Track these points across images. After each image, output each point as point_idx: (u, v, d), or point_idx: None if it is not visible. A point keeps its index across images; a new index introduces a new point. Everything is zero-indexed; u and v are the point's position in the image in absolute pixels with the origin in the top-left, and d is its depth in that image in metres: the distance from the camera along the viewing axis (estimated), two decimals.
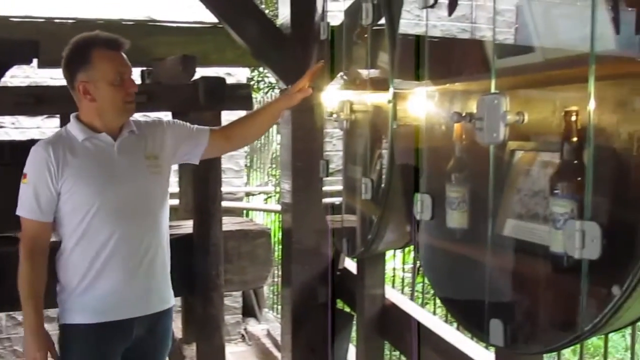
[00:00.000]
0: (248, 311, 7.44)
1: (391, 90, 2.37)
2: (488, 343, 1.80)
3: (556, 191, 1.60)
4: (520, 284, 1.84)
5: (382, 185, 2.55)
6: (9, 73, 4.06)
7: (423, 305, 4.18)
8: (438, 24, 2.16)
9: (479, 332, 1.85)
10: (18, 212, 2.75)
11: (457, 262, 2.08)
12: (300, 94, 2.93)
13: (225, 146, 3.20)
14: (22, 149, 3.73)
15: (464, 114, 1.84)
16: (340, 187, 3.28)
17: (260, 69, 10.74)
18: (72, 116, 2.82)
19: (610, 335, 4.01)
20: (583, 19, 1.49)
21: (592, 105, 1.41)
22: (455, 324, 3.12)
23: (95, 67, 2.67)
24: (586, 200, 1.44)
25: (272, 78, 11.34)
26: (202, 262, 4.07)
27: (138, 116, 2.98)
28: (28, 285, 2.71)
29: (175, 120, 3.10)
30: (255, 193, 8.81)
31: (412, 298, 4.10)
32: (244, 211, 7.57)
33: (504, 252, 1.86)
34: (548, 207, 1.67)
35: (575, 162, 1.57)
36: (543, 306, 1.76)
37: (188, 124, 3.05)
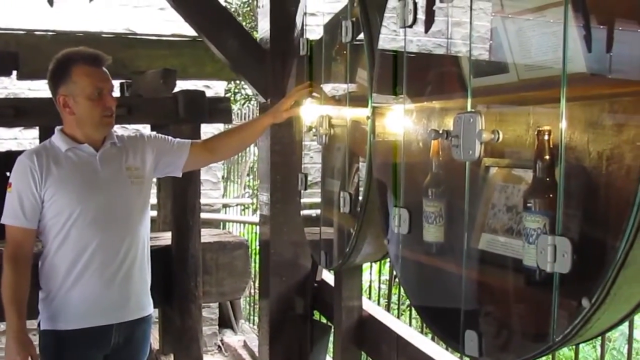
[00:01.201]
0: (224, 322, 7.44)
1: (370, 106, 2.41)
2: (463, 353, 1.83)
3: (529, 207, 1.64)
4: (494, 296, 1.88)
5: (360, 198, 2.58)
6: None
7: (399, 316, 4.21)
8: (414, 39, 2.20)
9: (455, 343, 1.87)
10: (2, 220, 2.80)
11: (433, 274, 2.11)
12: (287, 113, 3.00)
13: (208, 158, 3.25)
14: (1, 160, 3.76)
15: (440, 131, 1.89)
16: (317, 200, 3.31)
17: (237, 81, 10.74)
18: (56, 129, 2.88)
19: (581, 346, 4.08)
20: (556, 39, 1.55)
21: (563, 125, 1.46)
22: (430, 335, 3.17)
23: (74, 82, 2.75)
24: (558, 216, 1.48)
25: (249, 90, 11.35)
26: (180, 274, 4.10)
27: (117, 128, 3.01)
28: (11, 290, 2.73)
29: (157, 134, 3.14)
30: (232, 205, 8.81)
31: (388, 309, 4.14)
32: (221, 223, 7.58)
33: (479, 266, 1.90)
34: (521, 222, 1.72)
35: (548, 179, 1.62)
36: (516, 318, 1.80)
37: (170, 137, 3.10)
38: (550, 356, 3.20)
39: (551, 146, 1.62)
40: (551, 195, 1.58)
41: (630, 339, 2.87)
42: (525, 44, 1.80)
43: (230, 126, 9.00)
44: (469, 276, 1.88)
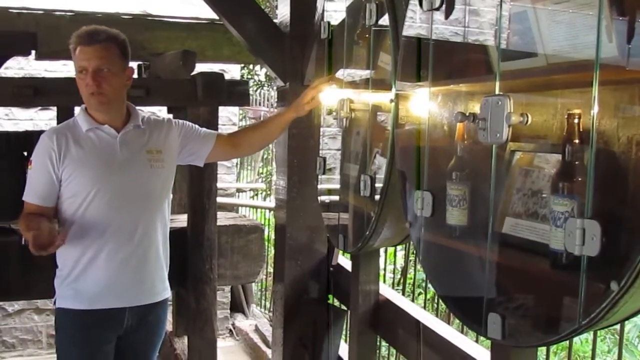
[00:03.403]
0: (236, 307, 7.47)
1: (393, 89, 2.41)
2: (486, 336, 1.84)
3: (557, 190, 1.65)
4: (518, 279, 1.88)
5: (381, 182, 2.59)
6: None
7: (413, 301, 4.23)
8: (432, 26, 2.20)
9: (477, 326, 1.88)
10: (23, 197, 2.82)
11: (455, 257, 2.11)
12: (309, 105, 3.00)
13: (231, 152, 3.27)
14: (17, 141, 3.78)
15: (467, 114, 1.89)
16: (333, 185, 3.32)
17: (251, 67, 10.75)
18: (80, 108, 2.89)
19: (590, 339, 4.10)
20: (587, 23, 1.55)
21: (595, 109, 1.47)
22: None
23: (74, 60, 2.76)
24: (587, 199, 1.49)
25: (262, 76, 11.37)
26: (195, 256, 4.11)
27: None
28: (24, 223, 2.73)
29: (185, 121, 3.14)
30: (246, 189, 8.84)
31: (403, 294, 4.16)
32: (235, 207, 7.60)
33: (503, 249, 1.91)
34: (547, 206, 1.73)
35: (577, 162, 1.63)
36: (541, 301, 1.80)
37: (196, 126, 3.11)
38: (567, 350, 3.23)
39: (581, 130, 1.62)
40: (580, 179, 1.59)
41: None
42: (554, 27, 1.79)
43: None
44: (493, 259, 1.89)
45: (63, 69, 6.05)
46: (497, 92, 1.78)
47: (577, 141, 1.63)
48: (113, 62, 2.75)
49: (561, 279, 1.65)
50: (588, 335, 4.76)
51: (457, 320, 3.62)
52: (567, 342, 3.33)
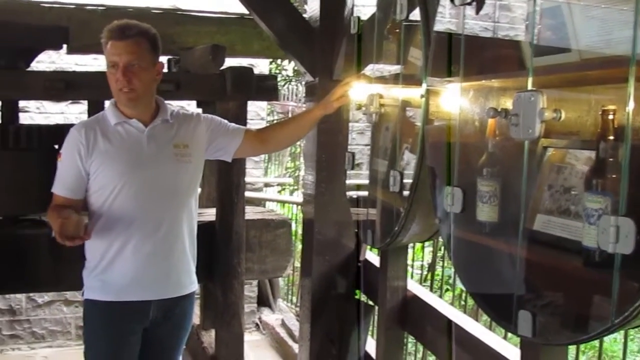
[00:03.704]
0: (262, 301, 7.48)
1: (424, 85, 2.40)
2: (516, 334, 1.83)
3: (591, 187, 1.63)
4: (550, 277, 1.87)
5: (411, 178, 2.59)
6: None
7: (440, 297, 4.22)
8: (463, 21, 2.19)
9: (507, 323, 1.88)
10: (52, 189, 2.85)
11: (486, 254, 2.10)
12: (337, 102, 3.00)
13: (259, 148, 3.28)
14: (48, 134, 3.81)
15: (499, 110, 1.88)
16: (361, 180, 3.32)
17: (279, 61, 10.76)
18: (110, 102, 2.91)
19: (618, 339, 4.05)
20: (622, 18, 1.53)
21: (630, 105, 1.45)
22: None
23: (105, 55, 2.78)
24: (621, 197, 1.47)
25: (289, 71, 11.38)
26: (223, 250, 4.12)
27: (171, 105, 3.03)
28: (53, 215, 2.76)
29: (214, 116, 3.15)
30: (273, 184, 8.86)
31: (431, 290, 4.15)
32: (262, 202, 7.61)
33: (534, 246, 1.89)
34: (580, 203, 1.71)
35: (611, 159, 1.61)
36: (573, 298, 1.79)
37: (225, 121, 3.12)
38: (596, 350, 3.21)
39: (615, 126, 1.60)
40: (614, 176, 1.57)
41: None
42: (588, 22, 1.78)
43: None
44: (524, 256, 1.88)
45: (94, 62, 6.09)
46: (529, 87, 1.77)
47: (611, 138, 1.61)
48: (143, 57, 2.76)
49: (594, 277, 1.64)
50: (617, 335, 4.73)
51: (484, 317, 3.61)
52: (597, 341, 3.31)
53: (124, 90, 2.74)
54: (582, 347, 4.30)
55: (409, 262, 5.42)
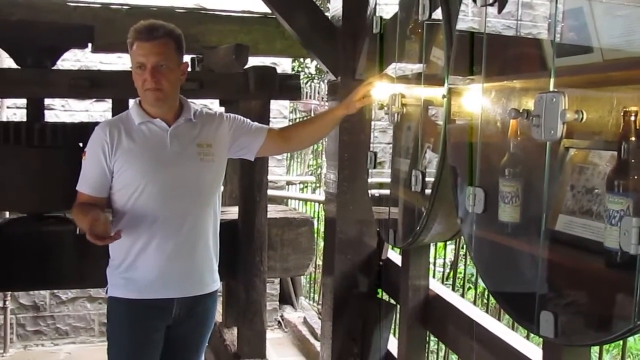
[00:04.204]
0: (284, 298, 7.50)
1: (446, 85, 2.40)
2: (538, 334, 1.83)
3: (613, 188, 1.63)
4: (572, 277, 1.86)
5: (432, 177, 2.59)
6: None
7: (462, 296, 4.21)
8: (485, 22, 2.19)
9: (529, 324, 1.88)
10: (77, 187, 2.88)
11: (507, 254, 2.10)
12: (360, 102, 3.01)
13: (282, 146, 3.29)
14: (73, 132, 3.85)
15: (521, 111, 1.88)
16: (383, 179, 3.32)
17: (301, 60, 10.76)
18: (134, 101, 2.94)
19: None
20: None
21: None
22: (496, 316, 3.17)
23: (131, 54, 2.80)
24: None
25: (312, 69, 11.38)
26: (246, 248, 4.15)
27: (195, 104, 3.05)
28: (77, 212, 2.80)
29: (236, 115, 3.16)
30: (296, 182, 8.86)
31: (453, 289, 4.14)
32: (285, 199, 7.63)
33: (556, 246, 1.89)
34: (601, 204, 1.71)
35: (633, 160, 1.60)
36: (595, 299, 1.78)
37: (248, 120, 3.13)
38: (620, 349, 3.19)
39: (637, 127, 1.60)
40: (636, 177, 1.57)
41: None
42: (611, 23, 1.77)
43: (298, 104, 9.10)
44: (546, 257, 1.88)
45: (118, 61, 6.13)
46: (551, 88, 1.76)
47: (633, 139, 1.60)
48: (170, 57, 2.78)
49: (616, 278, 1.63)
50: None
51: (507, 316, 3.59)
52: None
53: (152, 91, 2.76)
54: (605, 345, 4.27)
55: (431, 259, 5.44)
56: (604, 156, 1.86)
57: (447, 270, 6.53)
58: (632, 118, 1.60)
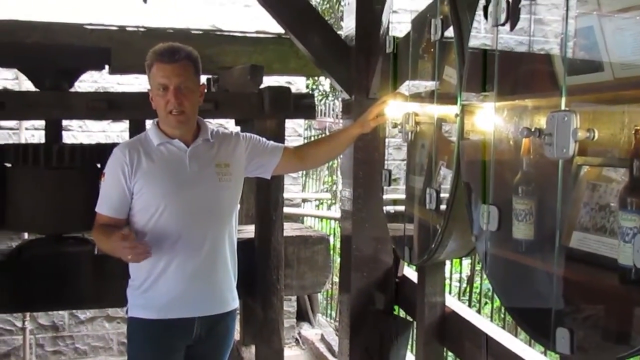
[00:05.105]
0: (301, 316, 7.49)
1: (459, 103, 2.42)
2: (554, 351, 1.83)
3: (625, 206, 1.64)
4: (586, 294, 1.87)
5: (447, 195, 2.59)
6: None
7: (479, 311, 4.21)
8: (497, 42, 2.20)
9: (545, 340, 1.88)
10: (96, 208, 2.90)
11: (522, 271, 2.11)
12: (374, 121, 3.03)
13: (297, 164, 3.31)
14: (91, 153, 3.88)
15: (533, 129, 1.89)
16: (398, 195, 3.33)
17: (315, 77, 10.79)
18: (152, 122, 2.96)
19: None
20: None
21: None
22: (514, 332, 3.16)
23: (150, 77, 2.82)
24: None
25: (326, 86, 11.41)
26: (263, 266, 4.15)
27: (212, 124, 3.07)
28: (99, 233, 2.84)
29: (252, 134, 3.19)
30: (311, 200, 8.87)
31: (469, 306, 4.14)
32: (301, 217, 7.63)
33: (570, 263, 1.89)
34: (615, 221, 1.72)
35: None
36: (610, 316, 1.79)
37: (264, 139, 3.15)
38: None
39: None
40: None
41: None
42: (622, 42, 1.78)
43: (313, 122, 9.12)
44: (560, 273, 1.88)
45: (135, 82, 6.18)
46: (563, 107, 1.78)
47: None
48: (190, 79, 2.82)
49: (630, 294, 1.64)
50: None
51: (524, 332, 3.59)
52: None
53: (174, 113, 2.79)
54: None
55: (447, 274, 5.43)
56: (616, 174, 1.87)
57: (464, 285, 6.52)
58: None
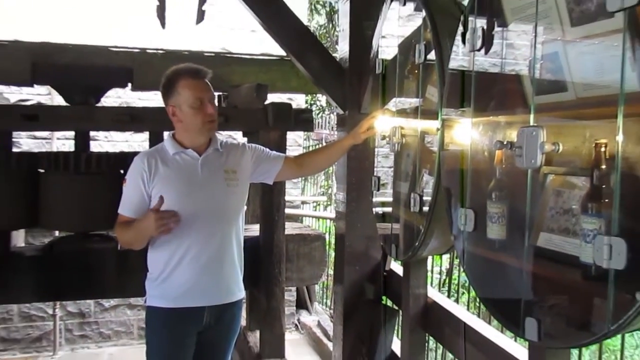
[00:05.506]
0: (300, 304, 7.49)
1: (440, 119, 2.42)
2: (523, 338, 1.83)
3: (587, 210, 1.64)
4: (552, 288, 1.86)
5: (429, 199, 2.59)
6: None
7: (457, 300, 4.20)
8: (474, 66, 2.20)
9: (515, 328, 1.88)
10: (119, 210, 2.89)
11: (496, 267, 2.11)
12: (365, 134, 3.04)
13: (297, 172, 3.30)
14: (115, 160, 3.88)
15: (505, 142, 1.89)
16: (386, 198, 3.32)
17: (314, 94, 10.78)
18: (168, 134, 2.96)
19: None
20: (612, 63, 1.53)
21: (620, 138, 1.46)
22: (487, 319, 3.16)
23: (179, 93, 2.80)
24: (613, 219, 1.48)
25: (323, 102, 11.42)
26: (266, 261, 4.15)
27: (221, 135, 3.08)
28: (122, 229, 2.83)
29: (257, 145, 3.19)
30: (309, 202, 8.86)
31: (448, 296, 4.13)
32: (300, 217, 7.63)
33: (538, 261, 1.89)
34: (577, 224, 1.71)
35: (604, 186, 1.61)
36: (573, 308, 1.79)
37: (267, 149, 3.16)
38: (598, 346, 3.18)
39: (607, 157, 1.61)
40: (607, 200, 1.57)
41: None
42: (583, 66, 1.78)
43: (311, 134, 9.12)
44: (529, 270, 1.88)
45: (154, 97, 6.14)
46: (532, 123, 1.78)
47: (604, 167, 1.62)
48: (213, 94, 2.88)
49: (591, 289, 1.64)
50: None
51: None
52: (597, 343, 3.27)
53: (210, 121, 2.84)
54: None
55: (430, 267, 5.42)
56: (578, 181, 1.87)
57: (444, 277, 6.52)
58: (602, 149, 1.62)
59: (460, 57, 2.32)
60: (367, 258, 3.79)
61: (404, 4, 2.93)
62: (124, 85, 4.27)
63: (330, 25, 11.67)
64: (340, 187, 3.88)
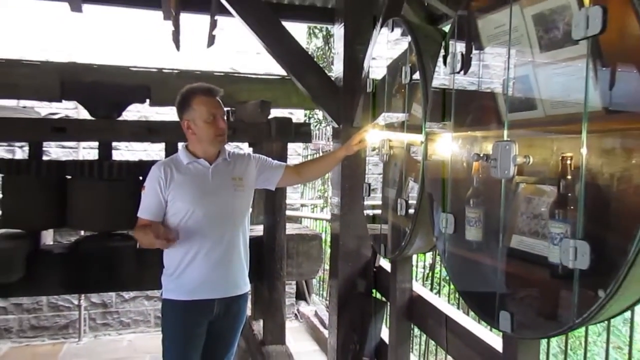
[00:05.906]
0: (300, 295, 7.47)
1: (423, 133, 2.41)
2: (498, 329, 1.82)
3: (554, 216, 1.63)
4: (524, 284, 1.86)
5: (414, 204, 2.58)
6: None
7: (439, 293, 4.18)
8: (454, 86, 2.20)
9: (491, 320, 1.87)
10: (138, 214, 2.88)
11: (473, 265, 2.10)
12: (357, 146, 3.03)
13: (296, 179, 3.29)
14: (134, 168, 3.87)
15: (481, 155, 1.89)
16: (375, 202, 3.32)
17: (312, 109, 10.78)
18: (182, 145, 2.95)
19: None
20: (577, 85, 1.53)
21: (584, 151, 1.45)
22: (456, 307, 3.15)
23: (194, 109, 2.80)
24: (578, 224, 1.47)
25: (320, 116, 11.42)
26: (269, 258, 4.14)
27: (229, 147, 3.07)
28: (140, 232, 2.81)
29: (261, 155, 3.19)
30: (307, 204, 8.84)
31: (431, 289, 4.12)
32: (300, 218, 7.62)
33: (511, 260, 1.89)
34: (546, 227, 1.71)
35: (569, 194, 1.61)
36: (542, 303, 1.78)
37: (269, 158, 3.16)
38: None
39: (572, 168, 1.61)
40: (572, 207, 1.57)
41: (632, 323, 2.83)
42: (551, 87, 1.78)
43: (310, 145, 9.11)
44: (503, 268, 1.88)
45: (170, 112, 6.09)
46: (505, 138, 1.78)
47: (569, 177, 1.62)
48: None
49: (559, 286, 1.63)
50: None
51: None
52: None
53: (221, 135, 2.85)
54: None
55: (414, 262, 5.41)
56: (547, 189, 1.87)
57: (427, 271, 6.51)
58: (568, 161, 1.62)
59: (442, 77, 2.32)
60: (359, 255, 3.78)
61: (392, 30, 2.93)
62: (142, 101, 4.25)
63: (327, 48, 11.69)
64: (335, 192, 3.88)
